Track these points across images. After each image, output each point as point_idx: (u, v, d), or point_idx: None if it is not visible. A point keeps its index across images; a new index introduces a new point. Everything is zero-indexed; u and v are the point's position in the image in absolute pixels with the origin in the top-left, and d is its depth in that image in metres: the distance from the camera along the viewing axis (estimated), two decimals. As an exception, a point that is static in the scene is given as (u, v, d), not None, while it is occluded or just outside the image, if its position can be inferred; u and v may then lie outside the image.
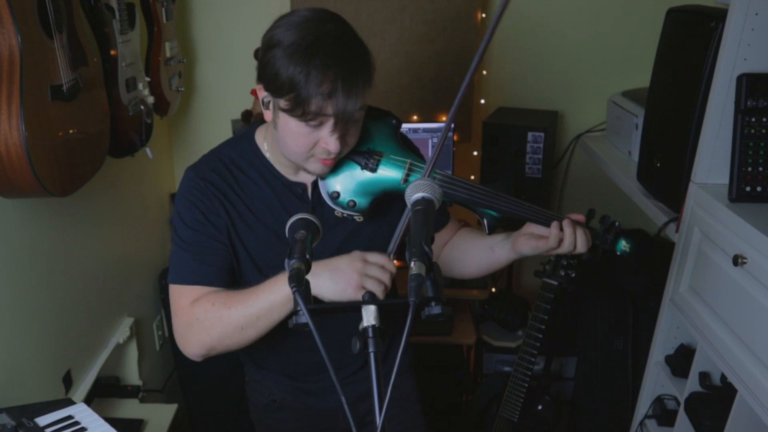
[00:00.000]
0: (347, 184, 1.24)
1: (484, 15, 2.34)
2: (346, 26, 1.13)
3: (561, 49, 2.42)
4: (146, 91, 1.89)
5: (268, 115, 1.18)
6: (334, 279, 1.09)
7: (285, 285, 1.10)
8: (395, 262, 1.18)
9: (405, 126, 2.29)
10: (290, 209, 1.24)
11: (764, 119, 1.41)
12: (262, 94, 1.16)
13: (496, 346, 2.44)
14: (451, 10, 2.30)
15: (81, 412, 1.41)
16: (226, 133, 2.39)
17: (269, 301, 1.13)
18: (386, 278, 1.13)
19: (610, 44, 2.41)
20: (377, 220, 1.30)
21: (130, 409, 2.01)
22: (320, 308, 0.83)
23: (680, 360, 1.75)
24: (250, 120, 2.32)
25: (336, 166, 1.23)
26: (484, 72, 2.46)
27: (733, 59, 1.42)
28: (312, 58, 1.05)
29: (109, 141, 1.69)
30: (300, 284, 0.82)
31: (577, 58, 2.43)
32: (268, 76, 1.11)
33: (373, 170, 1.24)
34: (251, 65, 2.34)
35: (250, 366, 1.50)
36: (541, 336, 1.79)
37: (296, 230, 0.93)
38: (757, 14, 1.39)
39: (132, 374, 2.15)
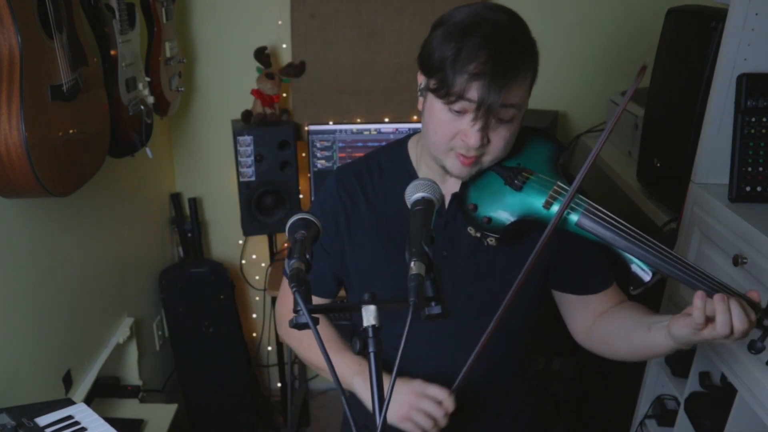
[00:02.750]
0: (487, 197, 1.11)
1: (484, 15, 2.34)
2: (520, 24, 1.05)
3: (561, 49, 2.42)
4: (146, 91, 1.89)
5: (420, 103, 1.12)
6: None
7: (350, 376, 1.17)
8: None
9: (405, 126, 2.29)
10: None
11: (764, 119, 1.41)
12: (421, 79, 1.10)
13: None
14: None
15: (81, 412, 1.40)
16: (226, 133, 2.40)
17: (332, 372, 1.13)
18: (439, 414, 1.08)
19: (610, 44, 2.41)
20: (512, 252, 1.14)
21: (130, 409, 2.01)
22: (320, 308, 0.83)
23: (680, 360, 1.75)
24: (250, 120, 2.32)
25: (479, 176, 1.13)
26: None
27: (733, 59, 1.42)
28: (468, 37, 1.00)
29: (109, 141, 1.69)
30: (300, 284, 0.82)
31: (577, 58, 2.43)
32: (423, 56, 1.07)
33: (518, 188, 1.10)
34: (251, 65, 2.37)
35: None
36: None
37: (296, 230, 0.93)
38: (757, 14, 1.39)
39: (132, 374, 2.15)
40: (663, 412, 1.82)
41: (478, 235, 1.13)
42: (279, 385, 2.68)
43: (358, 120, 2.41)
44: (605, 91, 2.36)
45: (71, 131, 1.46)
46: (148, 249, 2.41)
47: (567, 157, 1.16)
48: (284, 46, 2.39)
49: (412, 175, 1.21)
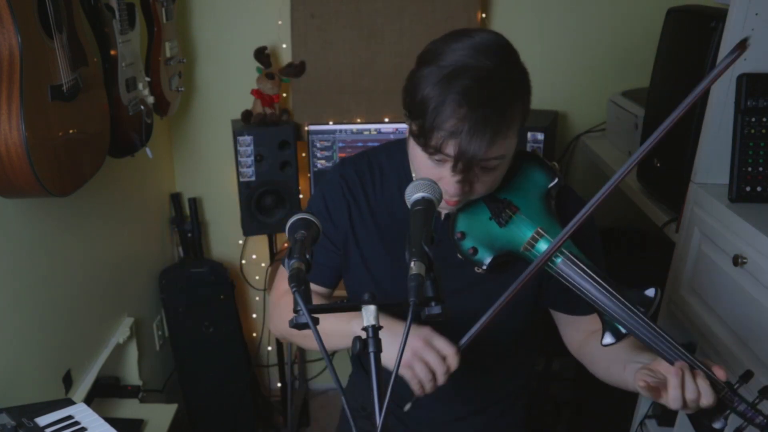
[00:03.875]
0: (474, 229, 1.12)
1: (484, 15, 2.34)
2: (510, 65, 1.01)
3: (561, 49, 2.42)
4: (146, 91, 1.89)
5: (407, 131, 1.10)
6: (386, 344, 1.05)
7: (349, 324, 1.10)
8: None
9: (405, 126, 2.29)
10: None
11: (764, 119, 1.41)
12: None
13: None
14: (451, 10, 2.30)
15: (81, 412, 1.40)
16: (226, 133, 2.40)
17: (330, 330, 1.12)
18: (440, 370, 1.04)
19: (610, 44, 2.40)
20: (500, 278, 1.13)
21: (130, 409, 2.01)
22: (320, 308, 0.83)
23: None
24: (250, 120, 2.32)
25: (469, 204, 1.13)
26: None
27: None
28: (449, 89, 0.96)
29: (109, 141, 1.69)
30: (300, 284, 0.82)
31: (577, 58, 2.43)
32: (406, 91, 1.04)
33: (501, 225, 1.10)
34: (251, 65, 2.38)
35: (357, 366, 1.46)
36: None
37: (296, 230, 0.93)
38: (757, 14, 1.39)
39: (132, 374, 2.15)
40: (663, 412, 1.81)
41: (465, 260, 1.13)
42: (279, 385, 2.68)
43: (358, 120, 2.41)
44: (605, 91, 2.36)
45: (71, 131, 1.46)
46: (148, 249, 2.41)
47: (558, 187, 1.14)
48: (284, 46, 2.39)
49: (409, 179, 1.21)
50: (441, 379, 1.05)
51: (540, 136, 2.20)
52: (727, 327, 1.41)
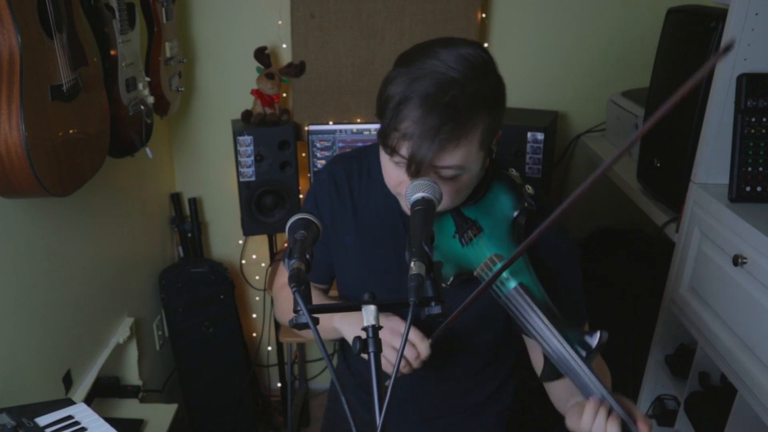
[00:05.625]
0: (441, 243, 1.10)
1: (484, 15, 2.34)
2: (482, 78, 0.97)
3: (561, 49, 2.42)
4: (146, 91, 1.89)
5: None
6: (347, 327, 1.11)
7: (329, 321, 1.15)
8: None
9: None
10: (392, 236, 1.17)
11: (764, 119, 1.41)
12: None
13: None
14: (451, 10, 2.29)
15: (81, 412, 1.40)
16: (226, 134, 2.40)
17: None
18: (411, 356, 1.07)
19: (610, 44, 2.41)
20: (467, 295, 1.06)
21: (130, 409, 2.01)
22: (320, 308, 0.83)
23: (680, 360, 1.75)
24: (250, 120, 2.32)
25: (439, 217, 1.11)
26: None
27: (733, 59, 1.42)
28: (410, 92, 0.96)
29: (109, 141, 1.69)
30: (300, 284, 0.82)
31: (577, 58, 2.43)
32: (379, 92, 1.03)
33: (463, 244, 1.09)
34: (251, 65, 2.38)
35: (340, 356, 1.50)
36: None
37: (296, 230, 0.93)
38: (757, 14, 1.39)
39: (132, 374, 2.15)
40: (663, 412, 1.82)
41: None
42: (279, 385, 2.68)
43: (358, 120, 2.41)
44: (605, 91, 2.36)
45: (71, 131, 1.46)
46: (148, 249, 2.41)
47: (526, 214, 1.09)
48: (284, 46, 2.39)
49: None
50: (414, 364, 1.08)
51: (540, 136, 2.19)
52: (727, 327, 1.41)
